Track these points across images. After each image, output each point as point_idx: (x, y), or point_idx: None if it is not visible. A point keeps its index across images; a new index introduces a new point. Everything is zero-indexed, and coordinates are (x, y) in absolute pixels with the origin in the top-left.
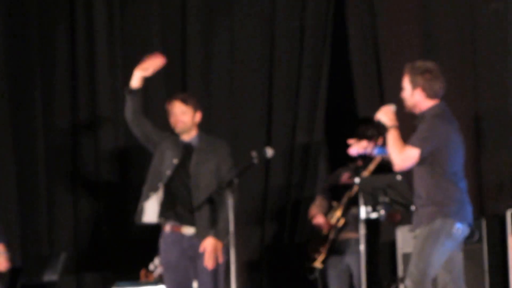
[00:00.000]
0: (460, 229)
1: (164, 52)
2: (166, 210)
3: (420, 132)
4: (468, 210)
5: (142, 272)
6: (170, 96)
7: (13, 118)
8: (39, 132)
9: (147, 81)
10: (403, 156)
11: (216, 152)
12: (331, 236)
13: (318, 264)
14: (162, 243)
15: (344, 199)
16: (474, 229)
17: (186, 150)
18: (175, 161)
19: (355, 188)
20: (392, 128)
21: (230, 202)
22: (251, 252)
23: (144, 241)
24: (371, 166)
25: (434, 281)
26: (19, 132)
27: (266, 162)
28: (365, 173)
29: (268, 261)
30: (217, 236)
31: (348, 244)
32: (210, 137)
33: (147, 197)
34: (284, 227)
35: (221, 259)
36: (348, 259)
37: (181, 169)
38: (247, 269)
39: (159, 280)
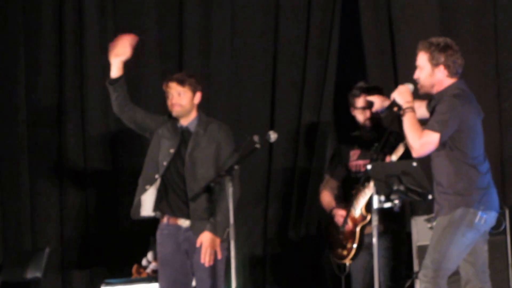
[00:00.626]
0: (483, 218)
1: (160, 27)
2: (161, 202)
3: (439, 114)
4: (493, 196)
5: (134, 268)
6: (166, 77)
7: None
8: (21, 117)
9: (140, 64)
10: (422, 141)
11: (214, 136)
12: (358, 230)
13: (347, 261)
14: (159, 236)
15: (367, 191)
16: (501, 218)
17: (183, 136)
18: (172, 150)
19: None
20: (408, 110)
21: (230, 191)
22: (253, 245)
23: (136, 234)
24: (399, 149)
25: (457, 275)
26: None
27: (270, 146)
28: (393, 157)
29: (271, 254)
30: (214, 230)
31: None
32: (210, 120)
33: (144, 190)
34: (289, 217)
35: (219, 255)
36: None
37: (177, 156)
38: (249, 264)
39: (153, 277)
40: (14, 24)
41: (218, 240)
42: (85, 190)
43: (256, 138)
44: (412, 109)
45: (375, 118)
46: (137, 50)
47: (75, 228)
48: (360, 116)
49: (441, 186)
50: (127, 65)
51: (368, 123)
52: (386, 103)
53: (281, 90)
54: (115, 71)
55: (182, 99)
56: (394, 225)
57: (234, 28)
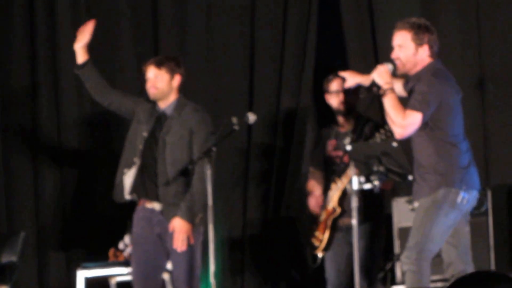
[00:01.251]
0: (465, 198)
1: (134, 10)
2: (137, 185)
3: (419, 93)
4: (474, 175)
5: (111, 252)
6: (143, 62)
7: None
8: None
9: (115, 47)
10: (405, 122)
11: (188, 120)
12: (329, 223)
13: (319, 252)
14: (135, 218)
15: (340, 184)
16: (483, 198)
17: (159, 119)
18: (145, 134)
19: (349, 173)
20: (389, 90)
21: (208, 173)
22: (232, 227)
23: (113, 218)
24: (348, 175)
25: (439, 257)
26: None
27: (248, 128)
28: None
29: (250, 236)
30: (185, 216)
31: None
32: (187, 103)
33: (122, 173)
34: (268, 199)
35: (192, 240)
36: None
37: (152, 140)
38: (228, 245)
39: (130, 260)
40: None
41: (188, 226)
42: (61, 173)
43: (234, 120)
44: (392, 90)
45: (348, 103)
46: (111, 33)
47: (51, 211)
48: (334, 101)
49: (422, 167)
50: (102, 48)
51: (342, 107)
52: (358, 78)
53: (259, 73)
54: (80, 57)
55: (158, 82)
56: (373, 208)
57: (210, 9)
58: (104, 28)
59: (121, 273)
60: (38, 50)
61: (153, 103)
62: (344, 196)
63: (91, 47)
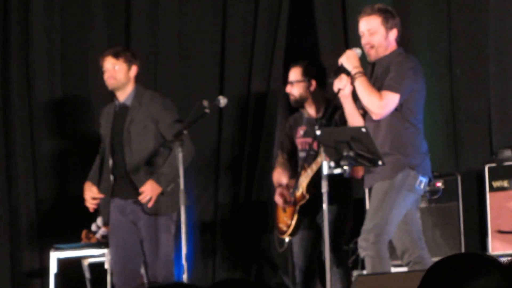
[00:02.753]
0: (423, 182)
1: None
2: (114, 186)
3: (395, 75)
4: (429, 163)
5: (83, 233)
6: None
7: None
8: None
9: (86, 27)
10: (382, 103)
11: (149, 108)
12: (297, 209)
13: (286, 236)
14: (110, 207)
15: (310, 171)
16: (436, 187)
17: (121, 112)
18: (108, 138)
19: (319, 160)
20: (359, 75)
21: (179, 155)
22: (203, 211)
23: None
24: (317, 163)
25: (390, 244)
26: None
27: (219, 112)
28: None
29: (221, 220)
30: (158, 180)
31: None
32: (145, 91)
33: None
34: (239, 184)
35: (151, 204)
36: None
37: (117, 135)
38: (200, 229)
39: (102, 242)
40: None
41: (159, 189)
42: (33, 156)
43: (205, 103)
44: (362, 73)
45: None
46: (84, 14)
47: (23, 194)
48: (295, 90)
49: (384, 147)
50: (74, 29)
51: (303, 96)
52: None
53: (230, 57)
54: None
55: (117, 72)
56: (341, 191)
57: None
58: (77, 9)
59: (94, 254)
60: (9, 29)
61: (112, 102)
62: (314, 183)
63: (64, 29)
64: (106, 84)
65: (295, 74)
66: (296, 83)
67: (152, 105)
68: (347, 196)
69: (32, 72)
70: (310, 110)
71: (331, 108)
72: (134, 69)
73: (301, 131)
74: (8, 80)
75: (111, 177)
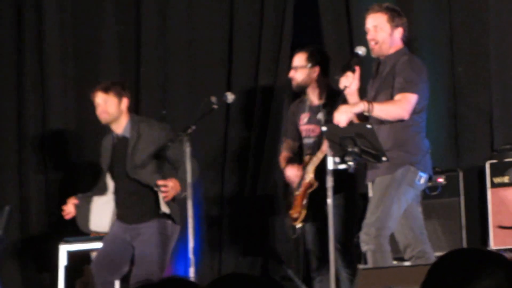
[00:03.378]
0: (423, 178)
1: None
2: (123, 213)
3: (408, 75)
4: (430, 161)
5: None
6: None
7: None
8: None
9: (97, 25)
10: (405, 106)
11: (152, 134)
12: (307, 196)
13: (298, 223)
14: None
15: (316, 159)
16: (437, 183)
17: (119, 144)
18: (105, 166)
19: (324, 147)
20: (368, 106)
21: (187, 150)
22: (210, 205)
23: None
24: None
25: (392, 238)
26: None
27: (226, 108)
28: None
29: (228, 214)
30: (179, 180)
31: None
32: (139, 120)
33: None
34: (245, 178)
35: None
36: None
37: (120, 165)
38: (206, 223)
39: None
40: None
41: (179, 189)
42: (44, 150)
43: (213, 99)
44: (370, 103)
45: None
46: (94, 12)
47: (35, 187)
48: (298, 76)
49: (386, 143)
50: (84, 27)
51: (305, 82)
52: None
53: (237, 53)
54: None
55: (108, 107)
56: (346, 185)
57: None
58: (88, 7)
59: None
60: (24, 38)
61: (108, 136)
62: (320, 171)
63: (75, 26)
64: (99, 118)
65: (299, 59)
66: (299, 69)
67: (151, 132)
68: (351, 187)
69: (45, 69)
70: (313, 97)
71: (340, 101)
72: (125, 101)
73: (304, 118)
74: (22, 77)
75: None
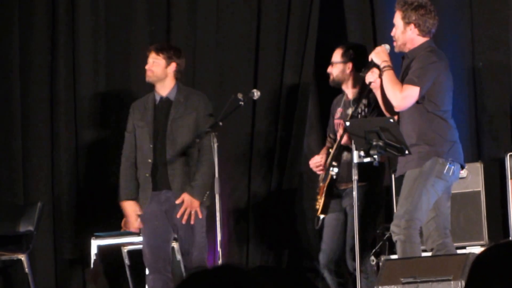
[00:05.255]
0: (452, 169)
1: None
2: (154, 177)
3: (416, 69)
4: (460, 150)
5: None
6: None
7: None
8: (15, 79)
9: (129, 24)
10: (402, 95)
11: (194, 105)
12: (325, 186)
13: (319, 214)
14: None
15: (334, 150)
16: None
17: (163, 105)
18: (150, 134)
19: (340, 133)
20: (386, 68)
21: (215, 146)
22: (237, 199)
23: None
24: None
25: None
26: None
27: (253, 104)
28: None
29: (254, 208)
30: (193, 194)
31: (344, 194)
32: (189, 90)
33: (142, 176)
34: (271, 173)
35: (200, 215)
36: (344, 205)
37: (161, 127)
38: (233, 217)
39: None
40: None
41: (197, 203)
42: (76, 146)
43: (240, 95)
44: (390, 67)
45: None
46: (127, 11)
47: (66, 183)
48: (334, 71)
49: (410, 138)
50: (117, 26)
51: (338, 78)
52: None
53: (264, 52)
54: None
55: (155, 66)
56: (368, 178)
57: None
58: (121, 7)
59: (133, 241)
60: (57, 26)
61: (147, 97)
62: (339, 162)
63: (108, 25)
64: (146, 77)
65: (336, 55)
66: (335, 64)
67: (199, 102)
68: (374, 180)
69: (77, 67)
70: (348, 92)
71: (365, 94)
72: (173, 66)
73: (338, 113)
74: (55, 75)
75: (149, 167)
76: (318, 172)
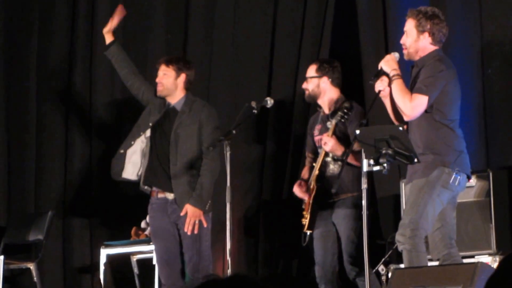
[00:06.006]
0: (458, 179)
1: (167, 1)
2: (149, 176)
3: (426, 77)
4: (467, 160)
5: (133, 230)
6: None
7: (6, 71)
8: (31, 86)
9: (146, 34)
10: (412, 104)
11: (198, 114)
12: (310, 202)
13: (305, 229)
14: (149, 210)
15: (317, 163)
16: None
17: (168, 113)
18: (150, 124)
19: (323, 150)
20: (395, 77)
21: (227, 154)
22: (248, 207)
23: (135, 198)
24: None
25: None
26: (10, 87)
27: (266, 112)
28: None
29: (265, 216)
30: (196, 204)
31: (332, 206)
32: (195, 99)
33: (120, 153)
34: (283, 182)
35: (205, 224)
36: (334, 219)
37: (162, 133)
38: (243, 226)
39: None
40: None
41: (199, 212)
42: (90, 155)
43: (253, 104)
44: (399, 76)
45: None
46: (144, 21)
47: (76, 192)
48: (309, 86)
49: (418, 147)
50: (135, 36)
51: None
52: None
53: (277, 61)
54: (107, 39)
55: (165, 78)
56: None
57: (237, 1)
58: (138, 16)
59: (142, 250)
60: (77, 24)
61: (163, 99)
62: (323, 176)
63: (125, 34)
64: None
65: (310, 70)
66: (310, 79)
67: (202, 110)
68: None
69: (94, 76)
70: (324, 107)
71: (370, 105)
72: (182, 77)
73: (316, 130)
74: (71, 84)
75: (146, 168)
76: (304, 198)
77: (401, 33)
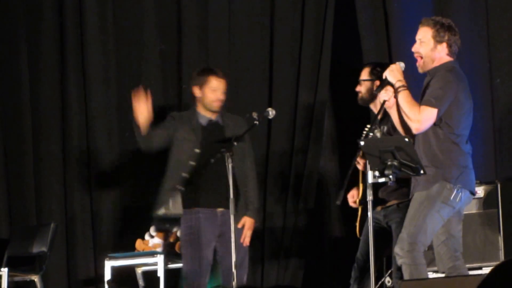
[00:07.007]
0: (459, 195)
1: (158, 8)
2: (195, 198)
3: (435, 89)
4: (471, 177)
5: (137, 242)
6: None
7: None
8: (25, 96)
9: (140, 46)
10: (421, 117)
11: (238, 128)
12: (359, 207)
13: (358, 235)
14: (193, 219)
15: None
16: None
17: (213, 128)
18: (197, 150)
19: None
20: (401, 88)
21: (229, 166)
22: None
23: (139, 210)
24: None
25: (430, 250)
26: (4, 98)
27: (268, 123)
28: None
29: (269, 228)
30: (253, 216)
31: (387, 212)
32: (227, 112)
33: (174, 189)
34: (286, 193)
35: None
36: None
37: (207, 152)
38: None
39: (154, 251)
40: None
41: (254, 223)
42: (89, 166)
43: (255, 114)
44: (405, 87)
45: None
46: (137, 31)
47: (79, 204)
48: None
49: (422, 160)
50: (128, 45)
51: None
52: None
53: (278, 71)
54: (143, 131)
55: (223, 94)
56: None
57: (232, 6)
58: (130, 26)
59: (147, 262)
60: (66, 44)
61: (187, 117)
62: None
63: (118, 46)
64: (209, 103)
65: (364, 73)
66: (363, 82)
67: (242, 124)
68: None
69: (88, 85)
70: (375, 111)
71: (379, 116)
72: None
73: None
74: (65, 93)
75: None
76: (352, 205)
77: (404, 41)
